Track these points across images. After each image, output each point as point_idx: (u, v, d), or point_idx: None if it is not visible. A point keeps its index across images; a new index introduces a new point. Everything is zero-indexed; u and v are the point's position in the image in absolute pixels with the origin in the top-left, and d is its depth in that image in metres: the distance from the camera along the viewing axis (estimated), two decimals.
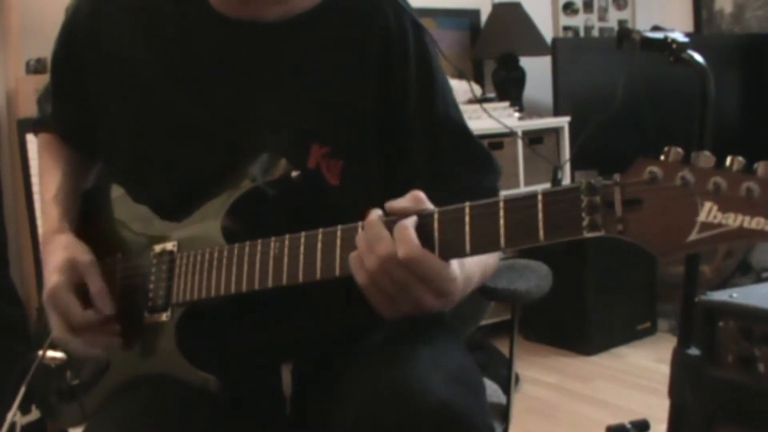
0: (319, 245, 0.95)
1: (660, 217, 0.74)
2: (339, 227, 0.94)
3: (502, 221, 0.83)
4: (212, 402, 1.04)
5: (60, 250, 1.12)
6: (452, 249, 0.87)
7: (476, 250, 0.86)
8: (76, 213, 1.22)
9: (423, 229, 0.87)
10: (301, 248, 0.96)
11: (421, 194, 0.91)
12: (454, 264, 0.90)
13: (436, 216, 0.88)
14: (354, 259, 0.90)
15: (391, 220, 0.89)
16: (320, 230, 0.95)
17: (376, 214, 0.90)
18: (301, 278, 0.96)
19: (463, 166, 1.15)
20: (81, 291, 1.09)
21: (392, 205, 0.91)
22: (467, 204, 0.86)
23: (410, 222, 0.87)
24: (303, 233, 0.96)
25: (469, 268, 0.97)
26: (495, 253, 1.04)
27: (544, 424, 2.66)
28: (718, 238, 0.72)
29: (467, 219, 0.85)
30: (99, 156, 1.26)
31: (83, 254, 1.12)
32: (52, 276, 1.09)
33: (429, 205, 0.90)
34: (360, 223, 0.92)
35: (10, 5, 2.45)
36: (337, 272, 0.93)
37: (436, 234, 0.87)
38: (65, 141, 1.28)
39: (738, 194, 0.71)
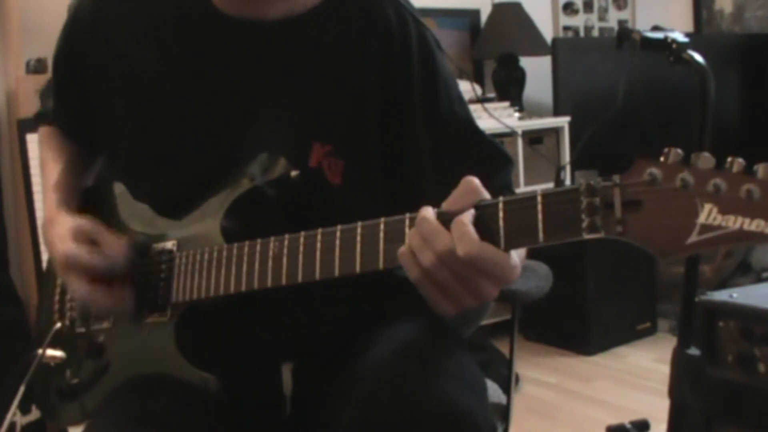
0: (318, 245, 0.95)
1: (660, 218, 0.74)
2: (339, 227, 0.94)
3: (501, 222, 0.83)
4: (212, 402, 1.04)
5: (62, 225, 1.13)
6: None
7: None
8: (76, 203, 1.23)
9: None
10: (301, 248, 0.96)
11: (476, 182, 0.87)
12: (513, 252, 0.86)
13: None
14: (406, 255, 0.87)
15: (446, 214, 0.86)
16: (319, 230, 0.95)
17: (429, 209, 0.87)
18: (300, 278, 0.96)
19: (470, 163, 1.10)
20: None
21: (449, 207, 0.87)
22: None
23: (468, 217, 0.84)
24: (302, 233, 0.96)
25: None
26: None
27: (544, 424, 2.66)
28: (718, 240, 0.72)
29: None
30: (100, 152, 1.27)
31: (86, 220, 1.13)
32: (62, 244, 1.09)
33: (485, 194, 0.87)
34: (359, 222, 0.92)
35: (10, 5, 2.45)
36: (336, 272, 0.93)
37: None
38: (66, 136, 1.28)
39: (738, 196, 0.71)
